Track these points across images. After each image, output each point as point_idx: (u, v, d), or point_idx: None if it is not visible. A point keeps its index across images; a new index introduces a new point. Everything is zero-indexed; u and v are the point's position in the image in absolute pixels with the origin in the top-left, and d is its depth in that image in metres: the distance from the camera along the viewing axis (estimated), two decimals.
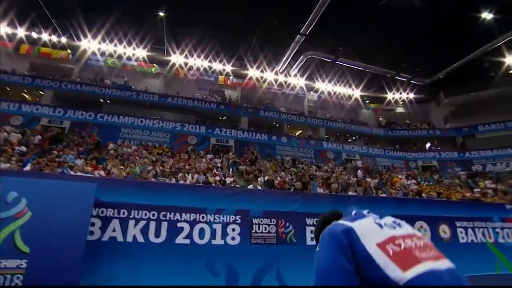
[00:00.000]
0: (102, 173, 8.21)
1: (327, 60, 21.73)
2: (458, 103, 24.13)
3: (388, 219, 1.14)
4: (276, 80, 23.01)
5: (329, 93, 24.56)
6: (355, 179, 13.50)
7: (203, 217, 5.15)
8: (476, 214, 7.72)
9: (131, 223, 4.72)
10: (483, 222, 7.48)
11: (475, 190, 15.44)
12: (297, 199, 6.93)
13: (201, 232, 5.06)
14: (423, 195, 12.29)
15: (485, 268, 6.64)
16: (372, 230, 1.05)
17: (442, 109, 25.02)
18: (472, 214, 7.59)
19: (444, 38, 17.77)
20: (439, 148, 22.77)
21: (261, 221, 5.64)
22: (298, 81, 23.47)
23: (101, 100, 18.28)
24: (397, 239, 1.01)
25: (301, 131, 22.94)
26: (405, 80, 24.22)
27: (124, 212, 4.71)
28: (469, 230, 7.14)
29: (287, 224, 6.15)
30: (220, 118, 20.88)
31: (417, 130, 24.17)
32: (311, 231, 6.39)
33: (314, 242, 6.74)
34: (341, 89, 24.75)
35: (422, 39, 17.91)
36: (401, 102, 26.05)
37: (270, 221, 5.92)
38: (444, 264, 0.96)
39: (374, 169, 17.32)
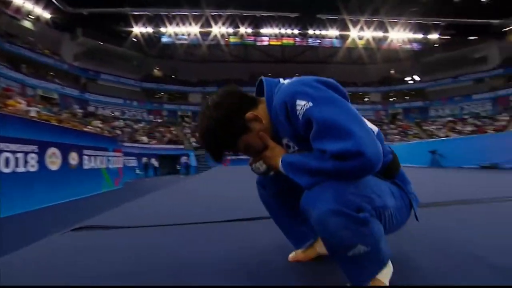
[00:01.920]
0: None
1: None
2: (92, 46, 25.22)
3: None
4: None
5: None
6: None
7: None
8: (99, 144, 9.21)
9: None
10: (102, 151, 9.11)
11: (88, 126, 17.53)
12: None
13: None
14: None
15: (96, 188, 8.27)
16: None
17: (76, 46, 24.67)
18: (96, 144, 8.94)
19: None
20: (56, 80, 22.17)
21: None
22: None
23: None
24: None
25: None
26: None
27: None
28: (92, 158, 8.33)
29: None
30: None
31: (44, 55, 21.68)
32: None
33: None
34: None
35: None
36: (33, 17, 21.77)
37: None
38: None
39: None
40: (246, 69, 30.13)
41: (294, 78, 0.83)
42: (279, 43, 31.89)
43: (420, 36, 30.50)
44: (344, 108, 0.72)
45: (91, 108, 23.57)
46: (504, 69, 26.23)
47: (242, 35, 30.67)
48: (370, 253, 0.72)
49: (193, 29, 28.42)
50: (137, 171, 17.12)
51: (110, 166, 9.54)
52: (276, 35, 31.30)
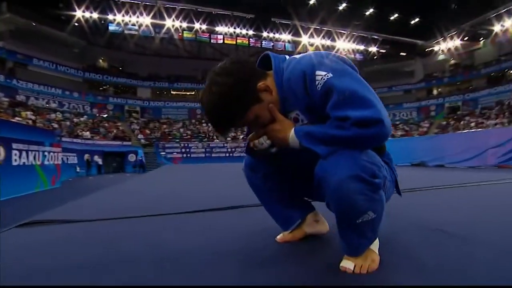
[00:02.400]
0: None
1: None
2: (22, 26, 21.99)
3: None
4: None
5: None
6: None
7: None
8: (32, 138, 8.16)
9: None
10: (37, 146, 8.10)
11: (17, 118, 15.38)
12: None
13: None
14: None
15: (28, 188, 7.32)
16: None
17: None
18: (29, 138, 7.91)
19: None
20: None
21: None
22: None
23: None
24: None
25: None
26: None
27: None
28: (24, 153, 7.34)
29: None
30: None
31: None
32: None
33: None
34: None
35: None
36: None
37: None
38: None
39: None
40: (199, 66, 29.48)
41: (308, 52, 0.85)
42: (233, 42, 31.94)
43: (362, 47, 33.56)
44: (360, 81, 0.76)
45: (20, 97, 20.59)
46: (425, 83, 30.80)
47: (196, 31, 29.97)
48: (374, 221, 0.76)
49: (145, 20, 26.86)
50: (78, 169, 15.57)
51: (46, 163, 8.52)
52: (231, 34, 31.30)
